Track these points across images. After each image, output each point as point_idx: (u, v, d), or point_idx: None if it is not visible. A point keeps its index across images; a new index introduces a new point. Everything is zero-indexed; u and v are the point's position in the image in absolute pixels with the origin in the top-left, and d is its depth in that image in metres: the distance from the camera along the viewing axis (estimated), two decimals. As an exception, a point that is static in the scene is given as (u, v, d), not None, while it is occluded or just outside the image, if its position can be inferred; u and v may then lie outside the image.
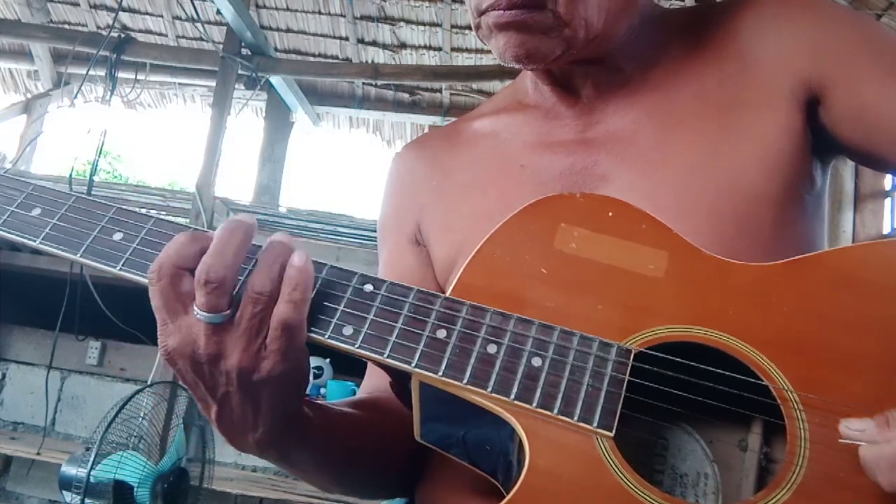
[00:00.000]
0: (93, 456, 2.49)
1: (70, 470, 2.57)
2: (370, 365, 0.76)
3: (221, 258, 0.55)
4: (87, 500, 2.48)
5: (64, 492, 2.56)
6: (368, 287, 0.60)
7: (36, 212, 0.65)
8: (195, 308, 0.56)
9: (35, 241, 0.63)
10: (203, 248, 0.57)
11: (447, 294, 0.60)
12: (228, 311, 0.56)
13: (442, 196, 0.82)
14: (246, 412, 0.59)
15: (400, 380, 0.62)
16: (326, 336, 0.58)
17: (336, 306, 0.59)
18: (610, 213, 0.62)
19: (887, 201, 3.82)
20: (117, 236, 0.63)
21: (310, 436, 0.65)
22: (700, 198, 0.68)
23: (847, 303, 0.56)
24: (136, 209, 0.65)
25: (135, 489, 2.53)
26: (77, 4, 4.96)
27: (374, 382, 0.80)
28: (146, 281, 0.59)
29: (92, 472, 2.48)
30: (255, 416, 0.59)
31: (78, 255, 0.62)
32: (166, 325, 0.57)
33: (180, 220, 0.67)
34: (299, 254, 0.57)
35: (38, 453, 3.30)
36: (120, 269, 0.61)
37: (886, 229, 3.77)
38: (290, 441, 0.63)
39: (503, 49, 0.69)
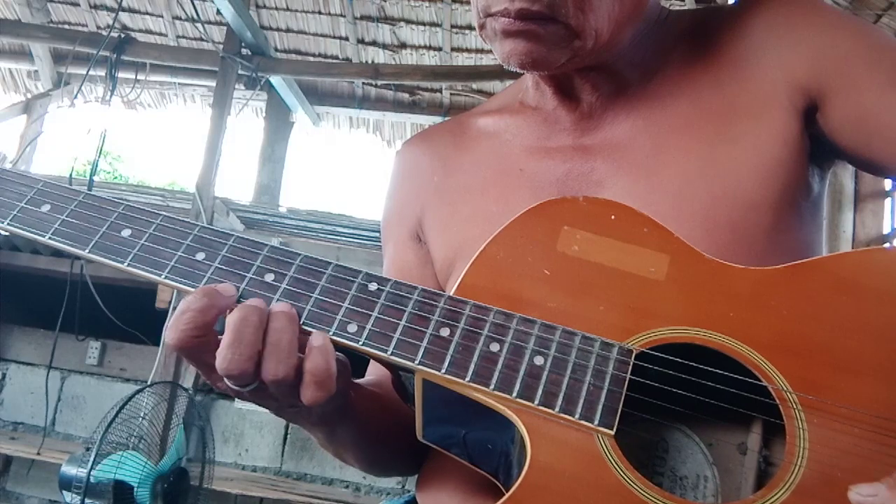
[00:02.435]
0: (93, 456, 2.49)
1: (70, 470, 2.57)
2: None
3: (239, 349, 0.56)
4: (87, 500, 2.48)
5: (64, 492, 2.56)
6: (373, 285, 0.60)
7: (45, 208, 0.65)
8: (226, 380, 0.58)
9: (45, 237, 0.64)
10: (220, 308, 0.58)
11: (450, 294, 0.60)
12: (258, 382, 0.58)
13: (443, 194, 0.83)
14: (301, 411, 0.63)
15: (402, 380, 0.63)
16: (330, 333, 0.58)
17: (340, 303, 0.59)
18: (612, 217, 0.62)
19: (887, 202, 3.81)
20: (126, 232, 0.63)
21: (349, 412, 0.68)
22: (695, 205, 0.68)
23: (846, 307, 0.56)
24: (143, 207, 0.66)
25: (135, 489, 2.53)
26: (77, 4, 4.96)
27: (377, 369, 0.81)
28: (154, 277, 0.60)
29: (92, 472, 2.48)
30: (308, 410, 0.62)
31: (86, 251, 0.63)
32: (211, 379, 0.60)
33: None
34: (317, 334, 0.58)
35: (38, 453, 3.30)
36: (128, 265, 0.62)
37: (886, 230, 3.76)
38: (336, 418, 0.67)
39: (508, 54, 0.68)
